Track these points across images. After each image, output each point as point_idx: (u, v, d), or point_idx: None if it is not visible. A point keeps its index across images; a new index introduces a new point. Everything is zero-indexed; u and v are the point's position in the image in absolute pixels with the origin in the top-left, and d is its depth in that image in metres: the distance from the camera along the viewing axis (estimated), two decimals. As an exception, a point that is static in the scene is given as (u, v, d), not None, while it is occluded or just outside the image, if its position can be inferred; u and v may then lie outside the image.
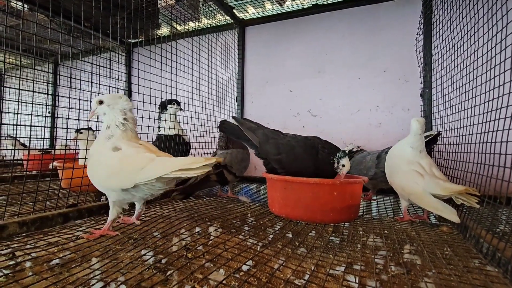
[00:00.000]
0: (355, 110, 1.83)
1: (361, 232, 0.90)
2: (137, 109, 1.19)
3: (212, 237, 0.78)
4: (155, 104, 1.30)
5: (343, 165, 1.05)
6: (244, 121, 1.20)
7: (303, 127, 1.94)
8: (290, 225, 0.97)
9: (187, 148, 1.51)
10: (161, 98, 1.34)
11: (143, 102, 1.23)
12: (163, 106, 1.50)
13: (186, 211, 1.07)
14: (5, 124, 0.83)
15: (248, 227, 0.91)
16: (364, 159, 1.41)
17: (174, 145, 1.43)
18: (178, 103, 1.55)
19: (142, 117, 1.19)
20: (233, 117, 1.21)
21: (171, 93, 1.40)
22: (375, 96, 1.78)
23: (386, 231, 0.92)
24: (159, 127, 1.50)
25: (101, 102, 0.82)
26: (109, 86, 1.16)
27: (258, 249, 0.73)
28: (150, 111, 1.25)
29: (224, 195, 1.47)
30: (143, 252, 0.66)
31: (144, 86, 1.24)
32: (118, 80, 1.76)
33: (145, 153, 0.72)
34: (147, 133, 1.24)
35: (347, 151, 1.54)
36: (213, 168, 1.34)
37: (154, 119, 1.41)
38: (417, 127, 1.00)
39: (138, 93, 1.23)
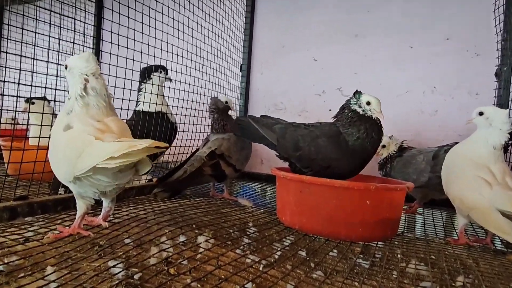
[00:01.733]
0: (402, 90, 1.80)
1: (399, 256, 0.90)
2: (109, 75, 1.20)
3: (201, 250, 0.80)
4: (133, 70, 1.31)
5: (368, 102, 1.07)
6: (261, 119, 1.25)
7: (330, 110, 1.94)
8: (305, 240, 0.99)
9: (172, 131, 1.53)
10: (141, 63, 1.34)
11: (117, 66, 1.23)
12: (145, 74, 1.50)
13: (168, 214, 1.09)
14: None
15: (248, 240, 0.93)
16: (415, 160, 1.40)
17: (156, 125, 1.44)
18: (166, 71, 1.55)
19: (115, 87, 1.20)
20: (249, 116, 1.27)
21: (154, 56, 1.40)
22: (432, 73, 1.74)
23: (433, 256, 0.92)
24: (137, 101, 1.52)
25: (66, 67, 0.83)
26: (73, 43, 1.16)
27: (261, 268, 0.74)
28: (126, 79, 1.26)
29: (219, 195, 1.49)
30: (111, 263, 0.68)
31: (118, 45, 1.24)
32: (85, 35, 1.77)
33: (89, 134, 0.72)
34: (120, 108, 1.25)
35: (394, 149, 1.52)
36: (207, 158, 1.36)
37: (131, 90, 1.42)
38: (504, 118, 0.98)
39: (111, 54, 1.23)
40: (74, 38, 1.18)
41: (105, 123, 0.80)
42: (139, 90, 1.51)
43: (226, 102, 1.50)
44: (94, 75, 0.83)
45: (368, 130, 1.07)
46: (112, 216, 0.99)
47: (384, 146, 1.56)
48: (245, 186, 1.89)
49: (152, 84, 1.46)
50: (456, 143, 1.15)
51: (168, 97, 1.55)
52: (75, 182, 0.76)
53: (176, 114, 1.59)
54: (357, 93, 1.11)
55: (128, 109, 1.30)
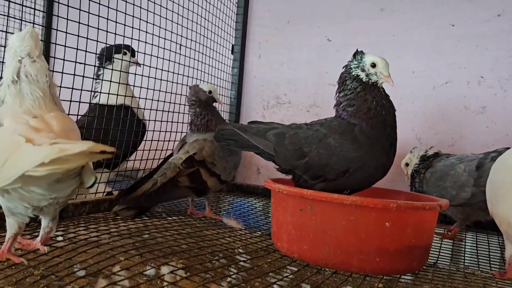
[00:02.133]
0: (441, 81, 1.81)
1: (428, 294, 0.90)
2: (59, 59, 1.21)
3: (165, 284, 0.80)
4: (90, 52, 1.32)
5: (373, 64, 1.11)
6: (250, 126, 1.28)
7: None
8: (306, 272, 0.99)
9: (139, 130, 1.54)
10: (98, 42, 1.35)
11: (70, 48, 1.25)
12: (105, 56, 1.52)
13: (128, 237, 1.09)
14: None
15: (236, 270, 0.93)
16: (453, 170, 1.40)
17: (118, 123, 1.45)
18: (133, 53, 1.56)
19: (62, 73, 1.20)
20: (233, 125, 1.32)
21: (116, 34, 1.41)
22: (479, 59, 1.75)
23: (471, 295, 0.92)
24: (94, 91, 1.53)
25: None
26: (21, 20, 1.18)
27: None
28: (79, 63, 1.27)
29: (199, 214, 1.50)
30: (47, 299, 0.69)
31: (72, 21, 1.26)
32: (34, 8, 1.79)
33: (20, 134, 0.72)
34: (70, 101, 1.26)
35: (416, 161, 1.55)
36: (184, 165, 1.37)
37: (90, 78, 1.43)
38: None
39: (67, 33, 1.24)
40: (22, 14, 1.19)
41: (44, 119, 0.81)
42: (97, 77, 1.53)
43: (210, 92, 1.51)
44: (30, 56, 0.83)
45: (376, 98, 1.10)
46: (53, 239, 0.99)
47: (407, 165, 1.59)
48: (236, 202, 1.89)
49: (113, 69, 1.48)
50: (508, 148, 1.15)
51: (134, 86, 1.56)
52: (3, 195, 0.76)
53: (145, 109, 1.60)
54: (359, 53, 1.14)
55: (80, 102, 1.31)
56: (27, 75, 0.83)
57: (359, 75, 1.12)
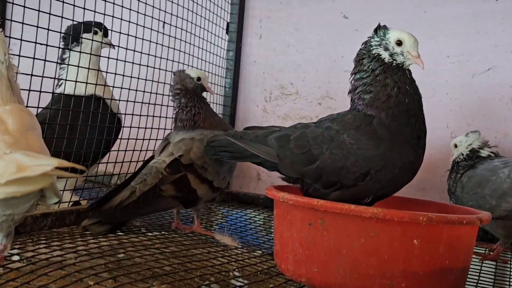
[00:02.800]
0: (482, 67, 1.81)
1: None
2: (16, 38, 1.21)
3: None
4: (53, 31, 1.32)
5: (399, 42, 1.10)
6: (246, 132, 1.30)
7: None
8: (316, 301, 0.99)
9: (114, 126, 1.53)
10: (63, 18, 1.35)
11: (28, 25, 1.25)
12: (72, 36, 1.52)
13: (99, 257, 1.09)
14: None
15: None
16: (495, 175, 1.41)
17: (87, 117, 1.45)
18: (105, 32, 1.56)
19: (19, 56, 1.20)
20: (226, 133, 1.35)
21: (85, 8, 1.41)
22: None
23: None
24: (58, 78, 1.53)
25: None
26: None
27: None
28: (40, 43, 1.27)
29: (186, 229, 1.50)
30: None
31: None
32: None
33: None
34: (29, 90, 1.25)
35: (462, 151, 1.54)
36: (168, 170, 1.37)
37: (53, 63, 1.43)
38: None
39: (25, 7, 1.23)
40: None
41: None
42: (62, 61, 1.52)
43: (199, 79, 1.51)
44: None
45: (398, 83, 1.10)
46: (8, 258, 0.98)
47: (456, 146, 1.59)
48: (231, 214, 1.89)
49: (81, 52, 1.47)
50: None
51: (107, 72, 1.56)
52: None
53: (121, 100, 1.60)
54: (381, 29, 1.14)
55: (41, 91, 1.30)
56: None
57: (381, 55, 1.12)
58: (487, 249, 1.52)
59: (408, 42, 1.10)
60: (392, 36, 1.11)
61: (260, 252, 1.34)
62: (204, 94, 1.58)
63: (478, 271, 1.33)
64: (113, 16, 1.51)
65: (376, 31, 1.14)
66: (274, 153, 1.20)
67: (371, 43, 1.13)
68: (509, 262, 1.44)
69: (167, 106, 1.74)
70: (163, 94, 1.74)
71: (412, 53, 1.10)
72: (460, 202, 1.49)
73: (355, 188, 1.11)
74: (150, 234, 1.40)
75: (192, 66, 1.94)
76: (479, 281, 1.25)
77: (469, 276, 1.14)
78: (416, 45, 1.10)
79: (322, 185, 1.15)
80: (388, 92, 1.10)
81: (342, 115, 1.17)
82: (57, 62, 1.51)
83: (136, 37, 1.62)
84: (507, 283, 1.32)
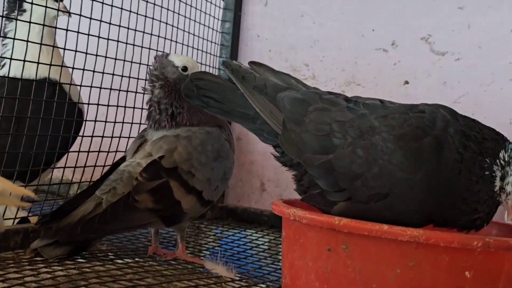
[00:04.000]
0: None
1: None
2: None
3: None
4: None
5: None
6: (250, 73, 1.24)
7: (406, 83, 1.93)
8: None
9: (73, 120, 1.53)
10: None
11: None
12: (18, 2, 1.51)
13: (53, 291, 1.08)
14: None
15: None
16: None
17: (38, 108, 1.45)
18: (60, -4, 1.56)
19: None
20: (224, 63, 1.34)
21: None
22: None
23: None
24: (0, 57, 1.52)
25: None
26: None
27: None
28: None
29: (168, 254, 1.50)
30: None
31: None
32: None
33: None
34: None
35: None
36: (144, 176, 1.37)
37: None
38: None
39: None
40: None
41: None
42: (4, 35, 1.52)
43: (185, 69, 1.49)
44: None
45: None
46: None
47: None
48: (227, 236, 1.90)
49: (30, 22, 1.46)
50: None
51: (65, 49, 1.56)
52: None
53: (83, 86, 1.60)
54: None
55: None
56: None
57: (491, 177, 1.08)
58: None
59: None
60: None
61: (264, 285, 1.35)
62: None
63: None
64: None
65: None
66: (281, 119, 1.18)
67: (498, 161, 1.09)
68: None
69: (144, 93, 1.74)
70: (138, 78, 1.73)
71: None
72: None
73: (366, 206, 1.09)
74: (120, 261, 1.40)
75: (177, 42, 1.95)
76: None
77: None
78: None
79: (328, 185, 1.13)
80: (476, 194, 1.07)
81: (391, 108, 1.15)
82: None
83: (103, 2, 1.61)
84: None
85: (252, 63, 1.31)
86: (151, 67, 1.52)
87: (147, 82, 1.54)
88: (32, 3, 1.47)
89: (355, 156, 1.10)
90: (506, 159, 1.06)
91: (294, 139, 1.16)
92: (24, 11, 1.50)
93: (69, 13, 1.57)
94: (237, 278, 1.36)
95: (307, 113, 1.16)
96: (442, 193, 1.06)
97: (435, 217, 1.08)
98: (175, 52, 1.92)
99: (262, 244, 1.82)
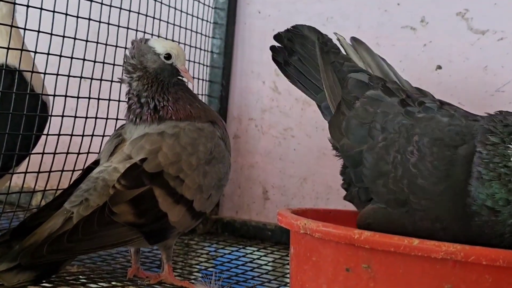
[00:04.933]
0: None
1: None
2: None
3: None
4: None
5: None
6: (335, 47, 1.42)
7: (439, 68, 1.99)
8: None
9: (36, 115, 1.54)
10: None
11: None
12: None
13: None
14: None
15: None
16: None
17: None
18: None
19: None
20: (319, 33, 1.44)
21: None
22: None
23: None
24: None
25: None
26: None
27: None
28: None
29: (151, 277, 1.52)
30: None
31: None
32: None
33: None
34: None
35: None
36: (123, 183, 1.39)
37: None
38: None
39: None
40: None
41: None
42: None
43: (168, 56, 1.49)
44: None
45: None
46: None
47: None
48: (222, 255, 1.90)
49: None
50: None
51: (26, 29, 1.56)
52: None
53: (47, 74, 1.61)
54: None
55: None
56: None
57: None
58: None
59: None
60: None
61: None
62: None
63: None
64: None
65: None
66: (339, 98, 1.27)
67: None
68: None
69: (121, 82, 1.74)
70: (114, 64, 1.74)
71: None
72: None
73: (389, 212, 1.15)
74: (93, 285, 1.41)
75: (161, 20, 1.95)
76: None
77: None
78: None
79: (357, 182, 1.21)
80: None
81: (445, 114, 1.17)
82: None
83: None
84: None
85: (353, 39, 1.44)
86: (127, 54, 1.52)
87: (123, 72, 1.54)
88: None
89: (384, 152, 1.15)
90: None
91: (341, 121, 1.24)
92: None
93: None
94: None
95: (362, 97, 1.24)
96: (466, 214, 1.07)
97: (461, 238, 1.07)
98: (158, 33, 1.93)
99: (266, 264, 1.83)
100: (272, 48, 1.47)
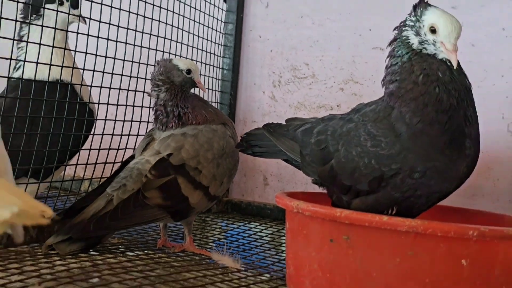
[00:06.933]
0: None
1: None
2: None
3: None
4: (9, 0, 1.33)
5: (433, 29, 1.10)
6: (281, 125, 1.41)
7: None
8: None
9: (85, 119, 1.54)
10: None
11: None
12: (32, 7, 1.52)
13: (69, 281, 1.10)
14: None
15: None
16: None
17: (51, 108, 1.46)
18: (75, 2, 1.56)
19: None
20: (265, 125, 1.44)
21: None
22: None
23: None
24: (16, 59, 1.53)
25: None
26: None
27: None
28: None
29: (176, 247, 1.52)
30: None
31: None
32: None
33: None
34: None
35: None
36: (153, 173, 1.39)
37: (9, 40, 1.43)
38: None
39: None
40: None
41: None
42: (20, 38, 1.52)
43: (189, 72, 1.51)
44: None
45: (427, 70, 1.11)
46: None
47: None
48: (232, 229, 1.91)
49: (43, 26, 1.47)
50: None
51: (76, 51, 1.57)
52: None
53: (94, 86, 1.61)
54: (420, 6, 1.14)
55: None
56: None
57: (410, 39, 1.14)
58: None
59: (444, 31, 1.09)
60: (427, 19, 1.11)
61: (268, 275, 1.35)
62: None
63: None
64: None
65: (415, 7, 1.15)
66: (298, 150, 1.27)
67: (406, 23, 1.16)
68: None
69: (149, 95, 1.75)
70: (145, 78, 1.74)
71: (446, 45, 1.09)
72: None
73: (373, 196, 1.15)
74: (131, 253, 1.41)
75: (183, 44, 1.95)
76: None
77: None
78: (455, 35, 1.09)
79: (338, 189, 1.20)
80: (413, 80, 1.12)
81: (369, 104, 1.21)
82: (13, 39, 1.51)
83: (112, 6, 1.62)
84: None
85: (287, 120, 1.43)
86: (155, 72, 1.53)
87: (151, 87, 1.55)
88: (44, 8, 1.49)
89: (347, 153, 1.16)
90: (412, 21, 1.16)
91: (307, 161, 1.25)
92: (39, 15, 1.51)
93: (83, 19, 1.58)
94: (243, 269, 1.37)
95: (312, 135, 1.24)
96: (424, 153, 1.09)
97: (431, 175, 1.10)
98: (180, 53, 1.93)
99: (266, 236, 1.82)
100: (241, 149, 1.50)
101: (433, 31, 1.10)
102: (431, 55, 1.12)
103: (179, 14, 1.95)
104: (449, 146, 1.09)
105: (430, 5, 1.13)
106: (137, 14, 1.74)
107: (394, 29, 1.19)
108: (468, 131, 1.11)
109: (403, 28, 1.16)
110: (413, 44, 1.13)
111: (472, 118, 1.12)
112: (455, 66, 1.08)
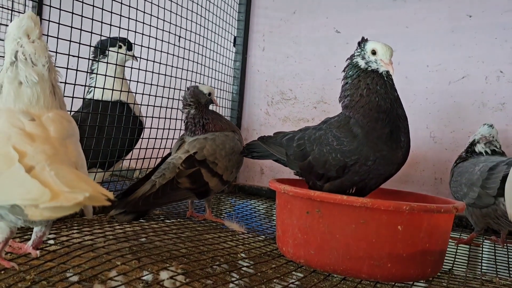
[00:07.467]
0: (457, 75, 1.81)
1: (442, 302, 0.91)
2: (51, 51, 1.20)
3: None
4: (84, 45, 1.33)
5: (374, 51, 1.12)
6: (271, 136, 1.40)
7: None
8: (313, 279, 1.00)
9: (136, 128, 1.54)
10: (92, 33, 1.36)
11: (61, 39, 1.25)
12: (100, 50, 1.53)
13: (124, 241, 1.11)
14: None
15: (238, 277, 0.94)
16: (472, 169, 1.42)
17: (113, 120, 1.46)
18: (129, 46, 1.57)
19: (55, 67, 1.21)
20: (259, 138, 1.43)
21: (111, 25, 1.42)
22: (498, 52, 1.75)
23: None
24: (88, 86, 1.54)
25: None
26: (11, 10, 1.18)
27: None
28: (73, 56, 1.28)
29: (200, 216, 1.52)
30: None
31: (64, 11, 1.26)
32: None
33: (13, 144, 0.70)
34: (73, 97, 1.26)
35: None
36: (184, 166, 1.38)
37: (83, 72, 1.44)
38: None
39: (59, 24, 1.24)
40: (12, 3, 1.20)
41: (41, 122, 0.77)
42: (91, 71, 1.53)
43: (210, 94, 1.53)
44: (29, 37, 0.82)
45: (369, 85, 1.12)
46: (45, 242, 1.00)
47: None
48: (238, 204, 1.90)
49: (108, 63, 1.48)
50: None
51: (131, 80, 1.58)
52: None
53: (142, 104, 1.61)
54: (363, 41, 1.17)
55: (73, 97, 1.31)
56: (25, 55, 0.81)
57: (358, 63, 1.15)
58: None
59: (381, 51, 1.11)
60: (369, 47, 1.13)
61: (263, 237, 1.36)
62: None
63: (454, 253, 1.33)
64: (135, 32, 1.52)
65: (359, 43, 1.18)
66: (284, 152, 1.28)
67: (354, 54, 1.17)
68: (481, 246, 1.44)
69: (181, 111, 1.75)
70: (178, 99, 1.74)
71: (384, 61, 1.11)
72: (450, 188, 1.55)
73: (339, 180, 1.15)
74: (168, 221, 1.42)
75: (204, 75, 1.96)
76: (455, 262, 1.26)
77: (446, 257, 1.15)
78: (389, 54, 1.11)
79: (314, 177, 1.20)
80: (360, 93, 1.13)
81: (332, 117, 1.22)
82: (87, 72, 1.52)
83: (155, 49, 1.63)
84: (479, 264, 1.32)
85: (275, 133, 1.41)
86: (186, 96, 1.53)
87: (182, 106, 1.55)
88: (109, 51, 1.50)
89: (320, 151, 1.17)
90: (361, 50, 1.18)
91: (291, 159, 1.25)
92: (106, 55, 1.52)
93: (135, 57, 1.59)
94: (246, 232, 1.39)
95: (294, 141, 1.25)
96: (372, 145, 1.09)
97: (378, 161, 1.11)
98: (203, 81, 1.93)
99: (262, 209, 1.83)
100: (244, 155, 1.49)
101: (373, 53, 1.12)
102: (374, 71, 1.13)
103: (202, 55, 1.96)
104: (390, 138, 1.10)
105: (368, 40, 1.16)
106: (173, 55, 1.75)
107: (346, 60, 1.21)
108: (401, 125, 1.13)
109: (353, 57, 1.17)
110: (361, 65, 1.14)
111: (402, 116, 1.14)
112: (392, 73, 1.11)
